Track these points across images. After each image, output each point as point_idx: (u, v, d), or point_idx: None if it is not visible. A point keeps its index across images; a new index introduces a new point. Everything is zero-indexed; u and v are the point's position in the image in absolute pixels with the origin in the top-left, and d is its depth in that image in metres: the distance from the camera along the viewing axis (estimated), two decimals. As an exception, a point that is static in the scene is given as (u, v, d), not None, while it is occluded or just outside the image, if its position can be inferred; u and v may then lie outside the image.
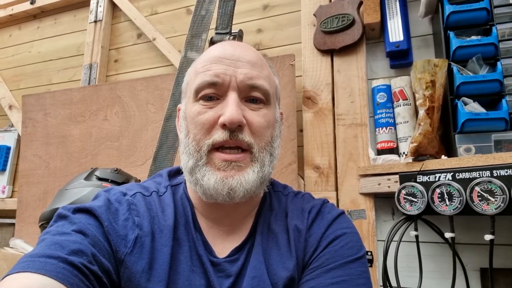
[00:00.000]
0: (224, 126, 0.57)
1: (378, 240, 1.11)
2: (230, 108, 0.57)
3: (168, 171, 0.73)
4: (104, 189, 0.66)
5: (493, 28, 1.00)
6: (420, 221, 0.98)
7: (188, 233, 0.62)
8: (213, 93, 0.60)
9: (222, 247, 0.63)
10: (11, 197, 1.83)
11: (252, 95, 0.61)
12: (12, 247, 1.25)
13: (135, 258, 0.57)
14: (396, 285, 0.96)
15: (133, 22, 1.75)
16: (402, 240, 0.97)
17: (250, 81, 0.61)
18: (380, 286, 1.05)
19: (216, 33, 1.10)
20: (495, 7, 1.01)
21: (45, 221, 1.02)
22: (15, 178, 1.86)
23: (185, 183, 0.69)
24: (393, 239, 0.98)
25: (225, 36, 1.08)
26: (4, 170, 1.84)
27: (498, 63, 0.98)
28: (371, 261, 1.08)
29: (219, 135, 0.58)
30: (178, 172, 0.73)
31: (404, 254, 1.06)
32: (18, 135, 1.84)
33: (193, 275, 0.59)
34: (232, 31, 1.11)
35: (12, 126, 1.90)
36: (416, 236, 0.97)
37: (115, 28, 1.85)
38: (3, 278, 0.45)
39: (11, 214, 1.72)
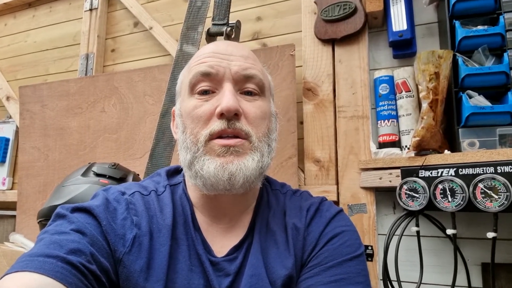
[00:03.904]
0: (221, 115, 0.58)
1: (379, 234, 1.11)
2: (227, 97, 0.58)
3: (166, 170, 0.73)
4: (102, 188, 0.67)
5: (501, 17, 0.96)
6: (421, 215, 0.97)
7: (187, 232, 0.62)
8: (208, 86, 0.61)
9: (221, 245, 0.63)
10: (11, 189, 1.83)
11: (247, 87, 0.62)
12: (12, 242, 1.25)
13: (133, 258, 0.57)
14: (396, 279, 0.96)
15: (129, 10, 1.71)
16: (403, 234, 0.96)
17: (244, 72, 0.61)
18: (380, 280, 1.05)
19: (213, 24, 1.07)
20: (503, -6, 0.98)
21: (44, 218, 1.01)
22: (15, 170, 1.85)
23: (184, 183, 0.68)
24: (395, 233, 0.98)
25: (222, 27, 1.04)
26: (3, 162, 1.84)
27: (505, 54, 0.94)
28: (371, 256, 1.08)
29: (216, 125, 0.58)
30: (176, 171, 0.73)
31: (405, 249, 1.06)
32: (17, 126, 1.83)
33: (192, 274, 0.59)
34: (230, 22, 1.07)
35: (10, 117, 1.89)
36: (417, 232, 0.96)
37: (111, 17, 1.81)
38: (1, 278, 0.45)
39: (12, 206, 1.72)
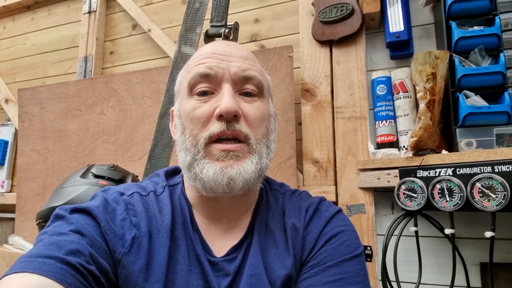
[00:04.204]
0: (220, 117, 0.57)
1: (377, 235, 1.11)
2: (226, 98, 0.58)
3: (165, 171, 0.73)
4: (101, 189, 0.66)
5: (496, 17, 0.97)
6: (420, 215, 0.97)
7: (186, 233, 0.62)
8: (207, 87, 0.60)
9: (220, 245, 0.63)
10: (10, 191, 1.83)
11: (246, 88, 0.62)
12: (11, 244, 1.25)
13: (132, 258, 0.57)
14: (395, 280, 0.96)
15: (128, 12, 1.71)
16: (402, 234, 0.96)
17: (243, 73, 0.61)
18: (379, 280, 1.05)
19: (211, 26, 1.07)
20: (498, -5, 0.98)
21: (42, 219, 1.01)
22: (13, 173, 1.85)
23: (182, 183, 0.68)
24: (393, 234, 0.98)
25: (220, 29, 1.05)
26: (2, 164, 1.84)
27: (501, 54, 0.95)
28: (370, 256, 1.08)
29: (216, 127, 0.58)
30: (175, 172, 0.73)
31: (404, 249, 1.06)
32: (15, 129, 1.83)
33: (191, 274, 0.59)
34: (228, 24, 1.08)
35: (9, 120, 1.89)
36: (416, 232, 0.96)
37: (109, 19, 1.81)
38: (0, 279, 0.45)
39: (10, 208, 1.72)
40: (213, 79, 0.60)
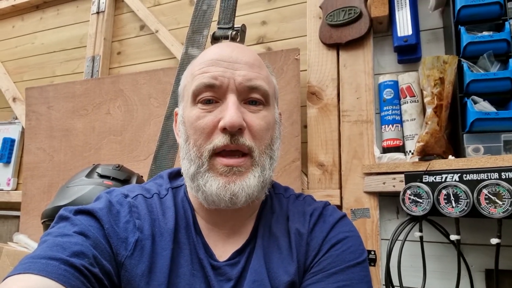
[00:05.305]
0: (224, 130, 0.57)
1: (382, 239, 1.10)
2: (230, 111, 0.57)
3: (168, 172, 0.73)
4: (106, 190, 0.66)
5: (506, 23, 0.96)
6: (425, 221, 0.96)
7: (188, 237, 0.62)
8: (211, 96, 0.60)
9: (223, 250, 0.62)
10: (16, 189, 1.84)
11: (251, 97, 0.61)
12: (15, 242, 1.26)
13: (135, 261, 0.56)
14: (399, 285, 0.95)
15: (136, 13, 1.73)
16: (406, 239, 0.96)
17: (249, 83, 0.60)
18: (383, 285, 1.04)
19: (218, 28, 1.08)
20: (508, 0, 0.98)
21: (47, 218, 1.01)
22: (19, 171, 1.87)
23: (186, 185, 0.68)
24: (398, 239, 0.97)
25: (227, 31, 1.05)
26: (9, 162, 1.85)
27: (510, 60, 0.94)
28: (374, 261, 1.07)
29: (219, 140, 0.57)
30: (178, 173, 0.73)
31: (408, 254, 1.05)
32: (22, 127, 1.85)
33: (194, 279, 0.59)
34: (235, 26, 1.08)
35: (16, 118, 1.90)
36: (421, 237, 0.95)
37: (117, 20, 1.83)
38: (4, 279, 0.45)
39: (16, 206, 1.74)
40: (218, 89, 0.59)
